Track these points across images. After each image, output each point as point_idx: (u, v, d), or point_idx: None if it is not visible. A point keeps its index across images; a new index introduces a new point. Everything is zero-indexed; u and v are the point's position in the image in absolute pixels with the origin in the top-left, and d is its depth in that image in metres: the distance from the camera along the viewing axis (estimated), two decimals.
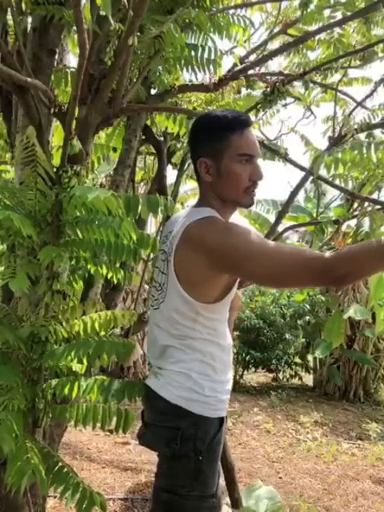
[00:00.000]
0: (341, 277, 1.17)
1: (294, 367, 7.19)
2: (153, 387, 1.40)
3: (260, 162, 1.41)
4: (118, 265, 1.60)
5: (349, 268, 1.18)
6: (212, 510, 1.39)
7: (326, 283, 1.26)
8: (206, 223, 1.32)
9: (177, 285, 1.35)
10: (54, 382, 1.50)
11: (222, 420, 1.41)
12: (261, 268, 1.25)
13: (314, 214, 3.59)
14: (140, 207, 1.41)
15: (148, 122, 2.56)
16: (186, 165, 3.06)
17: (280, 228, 2.69)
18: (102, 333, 1.61)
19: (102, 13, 1.69)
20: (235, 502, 2.27)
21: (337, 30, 2.28)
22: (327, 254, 1.20)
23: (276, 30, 2.46)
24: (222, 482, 2.71)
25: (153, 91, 2.30)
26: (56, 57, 2.04)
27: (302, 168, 2.22)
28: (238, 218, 1.51)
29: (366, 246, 1.22)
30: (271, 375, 7.24)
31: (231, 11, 1.95)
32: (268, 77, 2.39)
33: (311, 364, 7.07)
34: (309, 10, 2.16)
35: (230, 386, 1.46)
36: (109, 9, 1.26)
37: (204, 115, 1.46)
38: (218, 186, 1.38)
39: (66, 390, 1.47)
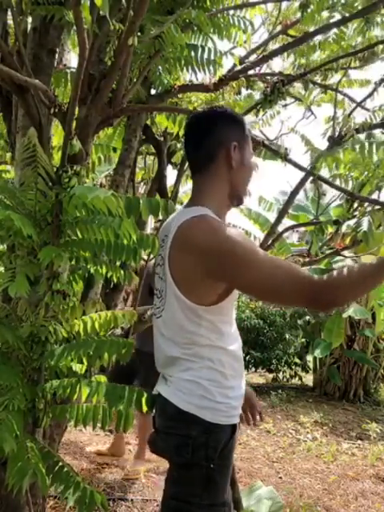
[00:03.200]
0: (329, 303, 1.23)
1: (293, 367, 7.19)
2: (163, 393, 1.36)
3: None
4: (118, 265, 1.60)
5: (335, 295, 1.22)
6: None
7: (313, 306, 1.26)
8: (199, 222, 1.27)
9: (175, 289, 1.30)
10: (54, 382, 1.50)
11: (234, 427, 1.36)
12: (255, 279, 1.24)
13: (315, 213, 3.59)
14: (141, 209, 1.40)
15: (148, 122, 2.56)
16: (187, 165, 3.06)
17: (280, 228, 2.69)
18: (102, 333, 1.61)
19: (102, 13, 1.69)
20: (235, 502, 2.26)
21: (335, 30, 2.28)
22: (317, 278, 1.23)
23: (276, 30, 2.46)
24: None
25: (153, 91, 2.30)
26: (56, 57, 2.04)
27: (302, 168, 2.22)
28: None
29: (354, 273, 1.24)
30: (271, 375, 7.24)
31: (231, 12, 1.95)
32: (268, 77, 2.39)
33: (311, 364, 7.07)
34: (309, 11, 2.16)
35: (242, 392, 1.40)
36: (107, 9, 1.26)
37: (221, 108, 1.42)
38: (236, 175, 1.36)
39: (68, 392, 1.46)
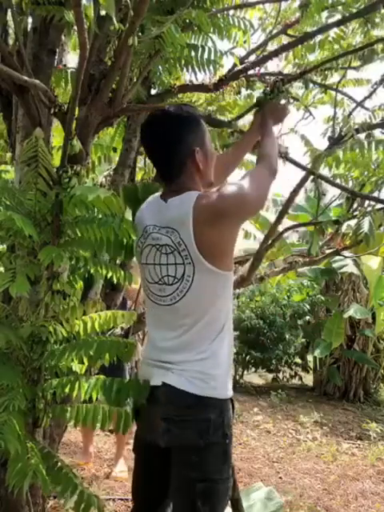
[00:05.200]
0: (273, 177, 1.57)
1: (293, 367, 7.19)
2: (171, 383, 1.39)
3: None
4: (117, 264, 1.60)
5: (270, 171, 1.56)
6: (230, 488, 1.49)
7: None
8: (207, 196, 1.42)
9: (208, 266, 1.38)
10: (54, 381, 1.50)
11: (233, 401, 1.47)
12: (256, 199, 1.49)
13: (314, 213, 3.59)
14: (139, 195, 1.41)
15: None
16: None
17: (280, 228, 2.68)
18: (102, 333, 1.61)
19: (103, 13, 1.69)
20: (235, 503, 2.26)
21: (334, 30, 2.27)
22: (262, 163, 1.57)
23: (275, 30, 2.46)
24: None
25: (153, 91, 2.30)
26: (56, 57, 2.04)
27: (302, 167, 2.22)
28: None
29: (266, 142, 1.66)
30: (271, 375, 7.24)
31: (231, 12, 1.95)
32: (268, 77, 2.39)
33: (311, 364, 7.07)
34: (308, 11, 2.16)
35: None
36: (113, 9, 1.26)
37: (176, 111, 1.49)
38: (205, 171, 1.49)
39: (67, 390, 1.46)
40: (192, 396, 1.37)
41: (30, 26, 1.97)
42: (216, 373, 1.40)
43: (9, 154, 2.49)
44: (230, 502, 2.28)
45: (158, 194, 1.54)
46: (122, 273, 1.60)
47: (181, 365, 1.40)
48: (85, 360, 1.51)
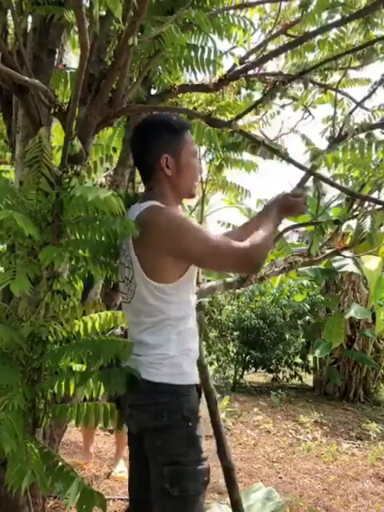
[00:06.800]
0: (256, 260, 1.47)
1: (293, 367, 7.19)
2: (131, 371, 1.50)
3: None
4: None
5: (261, 257, 1.49)
6: (207, 472, 1.48)
7: (245, 265, 1.49)
8: (151, 210, 1.48)
9: (142, 274, 1.47)
10: (54, 381, 1.49)
11: (198, 387, 1.54)
12: (201, 247, 1.45)
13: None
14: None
15: None
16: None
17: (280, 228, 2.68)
18: (103, 333, 1.61)
19: (103, 13, 1.69)
20: (235, 503, 2.26)
21: (334, 31, 2.27)
22: (243, 245, 1.46)
23: (275, 30, 2.45)
24: (221, 482, 2.71)
25: (153, 91, 2.30)
26: (56, 57, 2.04)
27: (302, 167, 2.22)
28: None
29: (265, 231, 1.53)
30: (271, 375, 7.24)
31: (231, 12, 1.95)
32: (268, 77, 2.39)
33: (311, 364, 7.07)
34: (308, 11, 2.16)
35: (197, 353, 1.59)
36: (119, 9, 1.26)
37: (152, 118, 1.67)
38: (177, 180, 1.55)
39: (63, 385, 1.47)
40: (146, 382, 1.46)
41: (30, 26, 1.97)
42: (169, 361, 1.47)
43: (9, 154, 2.49)
44: (230, 502, 2.28)
45: None
46: None
47: (141, 356, 1.50)
48: (84, 360, 1.51)
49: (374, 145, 2.00)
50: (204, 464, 1.47)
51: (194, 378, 1.53)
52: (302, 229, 7.07)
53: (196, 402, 1.51)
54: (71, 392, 1.49)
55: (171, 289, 1.48)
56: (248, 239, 1.48)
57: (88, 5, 1.58)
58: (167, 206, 1.51)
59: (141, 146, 1.58)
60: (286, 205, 1.66)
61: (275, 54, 2.21)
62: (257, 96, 2.68)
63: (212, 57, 1.91)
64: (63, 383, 1.48)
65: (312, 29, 2.22)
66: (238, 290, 6.59)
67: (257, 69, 2.33)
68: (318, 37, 2.30)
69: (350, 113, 2.45)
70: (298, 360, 7.26)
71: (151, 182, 1.58)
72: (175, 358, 1.48)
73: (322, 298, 6.76)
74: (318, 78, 2.53)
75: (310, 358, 7.10)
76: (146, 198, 1.56)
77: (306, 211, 1.70)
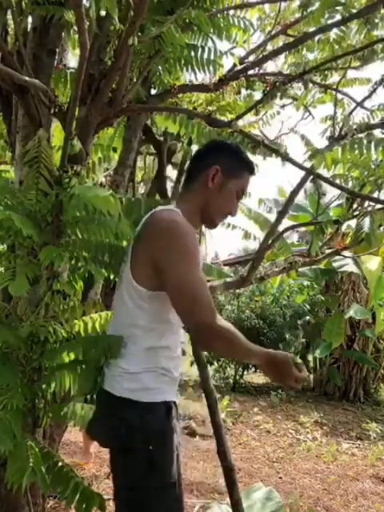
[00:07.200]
0: (209, 339, 1.30)
1: None
2: (101, 383, 1.43)
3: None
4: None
5: (219, 345, 1.33)
6: (176, 500, 1.35)
7: (198, 333, 1.31)
8: (163, 212, 1.41)
9: (128, 272, 1.39)
10: (53, 381, 1.49)
11: (168, 406, 1.38)
12: (181, 279, 1.30)
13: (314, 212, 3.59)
14: (142, 210, 1.41)
15: (148, 122, 2.56)
16: (186, 164, 3.06)
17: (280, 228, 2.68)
18: (103, 333, 1.61)
19: (103, 13, 1.69)
20: (235, 503, 2.26)
21: (335, 31, 2.27)
22: (218, 320, 1.28)
23: (274, 31, 2.46)
24: (221, 482, 2.71)
25: (153, 91, 2.30)
26: (56, 57, 2.04)
27: (302, 167, 2.22)
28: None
29: (244, 344, 1.33)
30: None
31: (231, 12, 1.95)
32: (268, 77, 2.39)
33: (311, 364, 7.07)
34: (310, 12, 2.16)
35: (177, 375, 1.44)
36: (115, 9, 1.26)
37: (233, 144, 1.62)
38: (211, 197, 1.49)
39: (61, 383, 1.46)
40: (108, 394, 1.37)
41: (29, 26, 1.97)
42: (129, 376, 1.36)
43: (9, 154, 2.49)
44: (230, 502, 2.28)
45: None
46: None
47: (109, 366, 1.42)
48: (81, 358, 1.50)
49: (372, 144, 2.00)
50: (171, 491, 1.32)
51: (163, 396, 1.37)
52: (302, 229, 7.09)
53: (162, 421, 1.35)
54: (69, 387, 1.46)
55: (147, 296, 1.36)
56: (227, 327, 1.30)
57: (88, 5, 1.58)
58: (184, 217, 1.40)
59: (203, 152, 1.58)
60: (280, 361, 1.35)
61: (275, 54, 2.21)
62: (257, 96, 2.68)
63: (212, 57, 1.91)
64: (61, 380, 1.46)
65: (312, 29, 2.22)
66: (238, 290, 6.59)
67: (257, 69, 2.33)
68: (319, 36, 2.30)
69: (350, 113, 2.44)
70: (298, 360, 7.26)
71: (189, 185, 1.52)
72: (136, 375, 1.36)
73: (322, 297, 6.76)
74: (318, 78, 2.53)
75: (310, 357, 7.10)
76: (177, 201, 1.53)
77: (289, 386, 1.40)
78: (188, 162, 1.64)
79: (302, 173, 2.30)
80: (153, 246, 1.35)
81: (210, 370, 6.28)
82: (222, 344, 1.31)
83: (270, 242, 2.50)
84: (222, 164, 1.49)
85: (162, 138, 2.75)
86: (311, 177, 2.32)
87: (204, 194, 1.48)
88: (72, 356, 1.47)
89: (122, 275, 1.46)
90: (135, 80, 1.85)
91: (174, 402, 1.41)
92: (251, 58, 2.34)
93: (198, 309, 1.28)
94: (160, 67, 2.02)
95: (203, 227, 1.66)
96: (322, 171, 2.26)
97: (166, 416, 1.36)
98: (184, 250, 1.32)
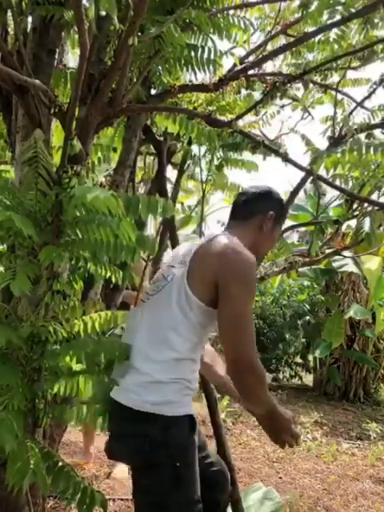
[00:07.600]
0: (243, 376, 1.34)
1: (294, 367, 7.19)
2: (114, 397, 1.42)
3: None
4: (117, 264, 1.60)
5: (252, 381, 1.35)
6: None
7: (235, 364, 1.35)
8: (233, 238, 1.48)
9: (184, 277, 1.44)
10: (54, 381, 1.49)
11: (192, 419, 1.40)
12: (237, 308, 1.37)
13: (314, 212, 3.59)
14: (140, 208, 1.41)
15: (148, 122, 2.55)
16: (186, 165, 3.06)
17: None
18: (103, 333, 1.61)
19: (103, 13, 1.69)
20: (235, 503, 2.26)
21: (335, 31, 2.27)
22: (256, 359, 1.35)
23: (274, 31, 2.45)
24: None
25: (153, 91, 2.30)
26: (56, 57, 2.04)
27: (302, 168, 2.22)
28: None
29: (268, 396, 1.41)
30: (271, 375, 7.24)
31: (231, 12, 1.95)
32: (268, 77, 2.39)
33: (311, 364, 7.07)
34: (309, 11, 2.16)
35: (193, 386, 1.46)
36: (114, 9, 1.26)
37: (279, 193, 1.75)
38: (262, 239, 1.63)
39: (63, 386, 1.46)
40: (128, 409, 1.36)
41: (29, 26, 1.97)
42: (157, 392, 1.36)
43: (9, 154, 2.49)
44: (230, 501, 2.28)
45: None
46: (122, 273, 1.60)
47: (125, 379, 1.42)
48: (82, 359, 1.51)
49: (372, 148, 2.00)
50: (196, 507, 1.35)
51: (185, 409, 1.40)
52: (302, 229, 7.09)
53: (186, 436, 1.37)
54: (71, 392, 1.47)
55: (197, 307, 1.42)
56: (263, 369, 1.37)
57: (88, 5, 1.58)
58: None
59: (262, 193, 1.68)
60: (283, 417, 1.48)
61: (275, 54, 2.21)
62: (257, 96, 2.68)
63: (212, 57, 1.90)
64: (63, 383, 1.47)
65: (312, 29, 2.22)
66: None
67: (257, 69, 2.33)
68: (319, 36, 2.30)
69: (350, 113, 2.45)
70: (298, 360, 7.26)
71: (240, 222, 1.63)
72: (161, 385, 1.37)
73: (322, 297, 6.76)
74: (317, 78, 2.53)
75: (310, 357, 7.10)
76: (234, 226, 1.63)
77: (283, 442, 1.48)
78: (237, 198, 1.74)
79: (302, 173, 2.30)
80: (223, 269, 1.40)
81: None
82: (254, 380, 1.35)
83: None
84: (277, 212, 1.65)
85: (161, 138, 2.75)
86: (311, 177, 2.32)
87: (257, 235, 1.61)
88: (75, 359, 1.48)
89: (170, 278, 1.50)
90: (135, 80, 1.85)
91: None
92: (251, 58, 2.34)
93: (245, 342, 1.35)
94: (160, 67, 2.02)
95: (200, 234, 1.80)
96: (322, 171, 2.26)
97: (189, 430, 1.38)
98: (249, 288, 1.40)
